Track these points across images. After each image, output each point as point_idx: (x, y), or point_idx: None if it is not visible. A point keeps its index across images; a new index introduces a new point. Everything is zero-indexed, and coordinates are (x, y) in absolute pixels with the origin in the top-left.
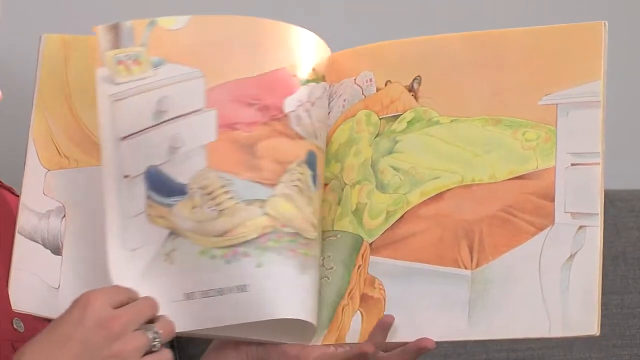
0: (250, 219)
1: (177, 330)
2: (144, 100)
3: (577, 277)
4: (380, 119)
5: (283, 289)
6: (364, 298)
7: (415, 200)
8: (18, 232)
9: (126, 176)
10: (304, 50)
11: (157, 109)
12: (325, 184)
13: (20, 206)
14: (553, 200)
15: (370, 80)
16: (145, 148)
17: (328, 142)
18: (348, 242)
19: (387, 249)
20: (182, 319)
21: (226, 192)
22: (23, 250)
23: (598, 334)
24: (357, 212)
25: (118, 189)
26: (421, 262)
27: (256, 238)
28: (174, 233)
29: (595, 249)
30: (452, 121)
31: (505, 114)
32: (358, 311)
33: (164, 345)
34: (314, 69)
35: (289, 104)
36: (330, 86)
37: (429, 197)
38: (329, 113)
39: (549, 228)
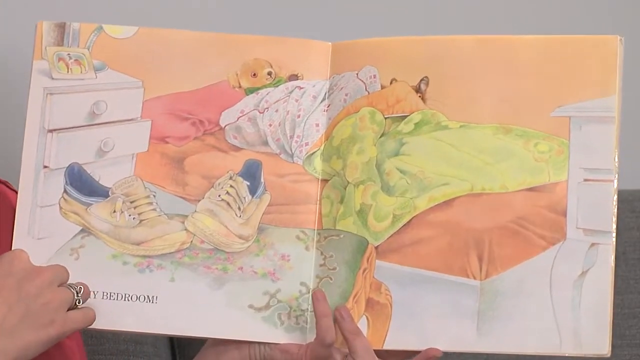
0: (169, 233)
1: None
2: (79, 100)
3: (588, 295)
4: (385, 118)
5: (193, 306)
6: (370, 303)
7: (423, 205)
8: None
9: (46, 167)
10: (253, 58)
11: (91, 110)
12: (326, 180)
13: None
14: (565, 214)
15: (374, 76)
16: (73, 145)
17: (328, 136)
18: (352, 243)
19: (394, 253)
20: None
21: (149, 203)
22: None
23: (609, 355)
24: (362, 213)
25: (35, 178)
26: (429, 269)
27: (173, 252)
28: (85, 231)
29: (607, 267)
30: (461, 127)
31: (516, 123)
32: (364, 315)
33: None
34: (269, 73)
35: (227, 117)
36: (330, 78)
37: (437, 203)
38: (328, 106)
39: (560, 243)
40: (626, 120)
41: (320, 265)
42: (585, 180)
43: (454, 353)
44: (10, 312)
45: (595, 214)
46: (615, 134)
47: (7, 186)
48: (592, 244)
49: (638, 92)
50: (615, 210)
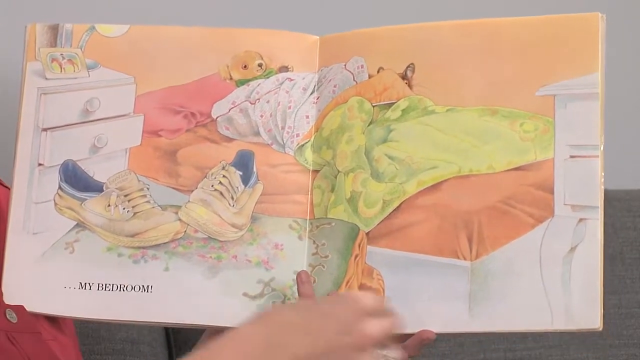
0: (163, 224)
1: (63, 314)
2: (73, 98)
3: (578, 270)
4: (373, 106)
5: (187, 295)
6: (362, 288)
7: (411, 190)
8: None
9: (40, 164)
10: (244, 50)
11: (85, 108)
12: (317, 171)
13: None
14: (552, 192)
15: (362, 66)
16: (67, 142)
17: (318, 127)
18: (343, 230)
19: (384, 238)
20: (71, 306)
21: (143, 195)
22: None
23: (601, 328)
24: (352, 201)
25: (30, 175)
26: (420, 252)
27: (167, 243)
28: (80, 225)
29: (596, 242)
30: (447, 110)
31: (501, 104)
32: None
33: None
34: (260, 65)
35: (219, 109)
36: (319, 70)
37: (426, 187)
38: (317, 98)
39: (548, 220)
40: (623, 120)
41: (313, 254)
42: (572, 156)
43: (448, 334)
44: None
45: (583, 190)
46: (600, 110)
47: (1, 184)
48: (580, 220)
49: (635, 91)
50: (602, 184)
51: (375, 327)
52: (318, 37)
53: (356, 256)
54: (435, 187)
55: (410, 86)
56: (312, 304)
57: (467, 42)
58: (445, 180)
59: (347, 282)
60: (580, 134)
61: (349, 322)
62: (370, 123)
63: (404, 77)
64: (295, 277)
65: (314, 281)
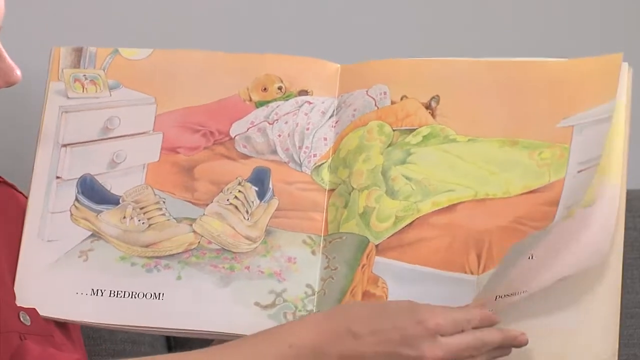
0: (177, 235)
1: (74, 319)
2: (93, 116)
3: None
4: (393, 130)
5: (199, 303)
6: (365, 295)
7: (426, 209)
8: None
9: (58, 177)
10: (264, 74)
11: (105, 126)
12: (332, 190)
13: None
14: (557, 204)
15: (385, 93)
16: (86, 158)
17: (336, 149)
18: (353, 242)
19: (393, 250)
20: (81, 311)
21: (159, 208)
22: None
23: None
24: (365, 215)
25: (47, 187)
26: (428, 266)
27: (180, 253)
28: (95, 235)
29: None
30: (469, 140)
31: (523, 136)
32: None
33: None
34: (280, 88)
35: (237, 128)
36: (338, 96)
37: (440, 207)
38: (336, 122)
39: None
40: None
41: (325, 268)
42: (579, 171)
43: None
44: None
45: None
46: (609, 128)
47: (15, 189)
48: None
49: (635, 91)
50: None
51: (439, 348)
52: (339, 66)
53: (363, 266)
54: (450, 208)
55: (433, 116)
56: (386, 308)
57: (495, 80)
58: (461, 203)
59: (352, 289)
60: (588, 152)
61: (414, 337)
62: (389, 145)
63: (427, 107)
64: (307, 290)
65: (324, 293)
